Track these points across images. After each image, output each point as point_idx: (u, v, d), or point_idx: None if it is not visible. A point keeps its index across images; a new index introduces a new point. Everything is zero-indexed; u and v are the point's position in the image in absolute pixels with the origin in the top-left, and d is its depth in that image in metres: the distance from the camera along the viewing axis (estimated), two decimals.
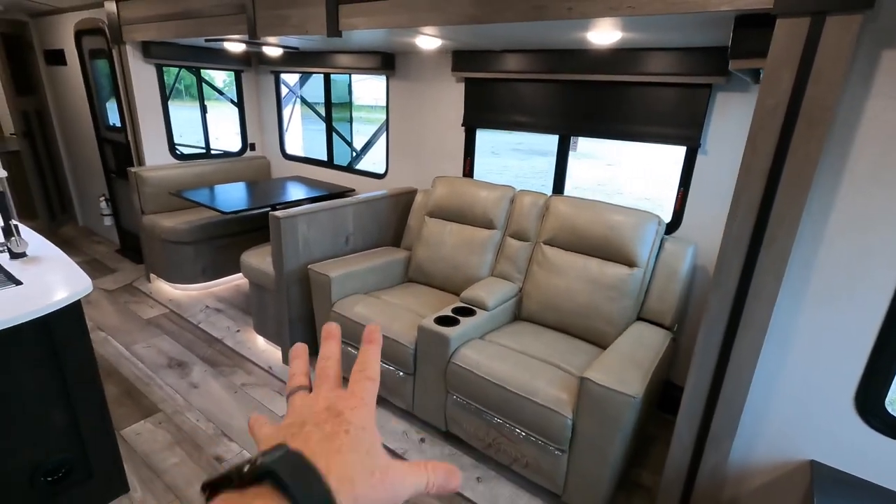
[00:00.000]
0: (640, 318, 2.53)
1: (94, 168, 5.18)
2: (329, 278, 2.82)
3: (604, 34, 2.13)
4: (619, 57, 2.57)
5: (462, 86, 3.33)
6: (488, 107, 3.24)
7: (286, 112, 5.01)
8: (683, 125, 2.52)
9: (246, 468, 0.26)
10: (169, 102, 4.29)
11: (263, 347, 3.40)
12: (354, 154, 5.49)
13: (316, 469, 0.27)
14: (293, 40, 3.18)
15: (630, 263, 2.49)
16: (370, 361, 0.40)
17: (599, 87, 2.77)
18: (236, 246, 4.19)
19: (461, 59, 3.19)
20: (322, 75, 4.27)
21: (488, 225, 3.01)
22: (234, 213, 3.33)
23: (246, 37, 2.81)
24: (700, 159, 2.53)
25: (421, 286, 3.20)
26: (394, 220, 3.59)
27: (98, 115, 4.83)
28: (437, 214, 3.23)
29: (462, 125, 3.38)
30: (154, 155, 4.22)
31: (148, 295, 4.15)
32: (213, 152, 4.80)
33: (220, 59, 4.35)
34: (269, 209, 3.55)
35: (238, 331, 3.62)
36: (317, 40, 3.13)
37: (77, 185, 5.73)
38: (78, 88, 4.88)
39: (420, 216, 3.38)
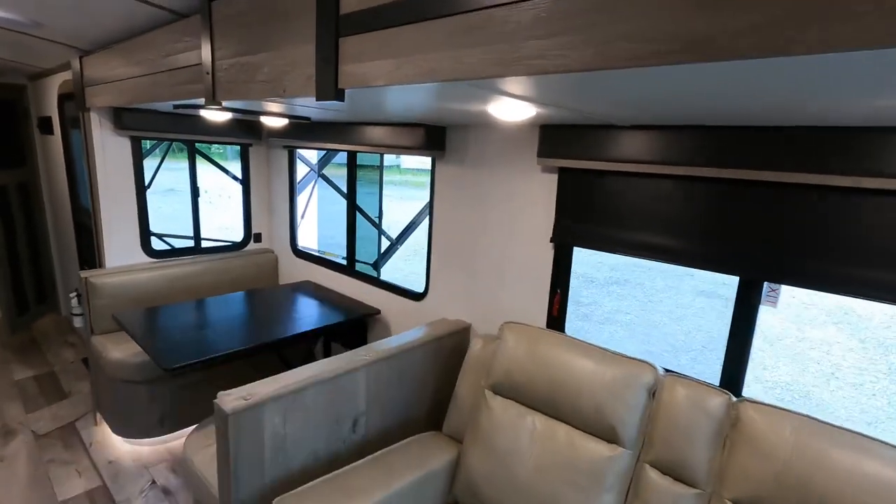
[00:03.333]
0: None
1: (74, 255, 4.22)
2: None
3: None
4: (848, 143, 1.27)
5: (553, 179, 2.08)
6: (598, 214, 1.95)
7: (304, 195, 3.92)
8: None
9: None
10: (165, 164, 3.25)
11: None
12: (387, 246, 4.30)
13: None
14: (299, 107, 2.07)
15: None
16: None
17: (816, 197, 1.44)
18: (212, 382, 2.97)
19: (554, 138, 1.96)
20: (346, 152, 3.17)
21: (607, 434, 1.64)
22: (177, 370, 2.10)
23: (214, 105, 1.69)
24: None
25: None
26: (433, 376, 2.28)
27: (77, 193, 3.91)
28: (507, 392, 1.90)
29: (551, 240, 2.10)
30: (120, 252, 3.15)
31: (85, 449, 2.94)
32: (209, 243, 3.72)
33: (219, 129, 3.34)
34: (250, 348, 2.33)
35: None
36: (327, 107, 1.99)
37: (63, 272, 4.79)
38: (62, 162, 4.01)
39: (476, 384, 2.05)
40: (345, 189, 3.46)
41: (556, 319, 2.16)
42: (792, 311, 8.93)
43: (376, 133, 2.71)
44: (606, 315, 7.78)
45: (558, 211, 2.07)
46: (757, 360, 7.08)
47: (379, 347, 2.12)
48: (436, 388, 2.34)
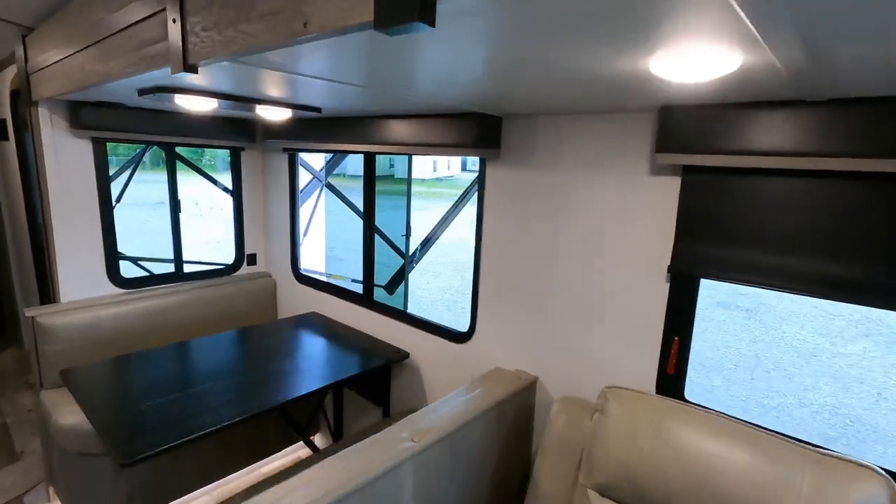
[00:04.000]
0: None
1: (33, 281, 3.58)
2: None
3: None
4: None
5: (671, 184, 1.49)
6: (743, 232, 1.36)
7: (307, 206, 3.30)
8: None
9: None
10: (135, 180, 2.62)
11: None
12: (410, 259, 3.67)
13: None
14: (318, 91, 1.47)
15: None
16: None
17: None
18: (195, 449, 2.34)
19: (686, 124, 1.36)
20: (364, 157, 2.56)
21: None
22: (141, 461, 1.47)
23: (180, 73, 1.08)
24: None
25: None
26: (495, 453, 1.67)
27: (33, 208, 3.28)
28: (625, 497, 1.28)
29: (669, 269, 1.50)
30: (79, 281, 2.51)
31: None
32: (195, 267, 3.09)
33: (203, 129, 2.73)
34: (241, 420, 1.70)
35: None
36: (350, 82, 1.39)
37: (25, 299, 4.13)
38: (17, 171, 3.38)
39: (565, 474, 1.44)
40: (357, 203, 2.85)
41: (672, 380, 1.55)
42: (819, 323, 8.45)
43: (404, 128, 2.11)
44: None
45: (680, 228, 1.47)
46: (796, 379, 6.53)
47: (425, 422, 1.50)
48: (498, 468, 1.72)
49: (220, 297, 2.89)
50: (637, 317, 1.60)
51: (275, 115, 2.05)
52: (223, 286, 2.94)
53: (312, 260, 3.32)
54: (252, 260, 3.20)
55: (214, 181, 3.37)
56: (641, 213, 1.55)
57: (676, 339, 1.52)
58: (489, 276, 2.01)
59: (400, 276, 3.77)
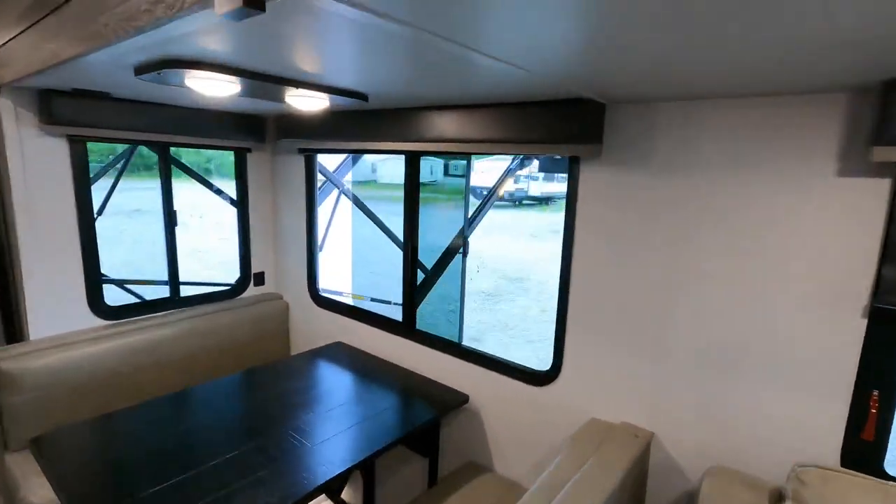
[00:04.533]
0: None
1: None
2: None
3: None
4: None
5: (879, 189, 1.10)
6: None
7: (323, 214, 2.85)
8: None
9: None
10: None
11: None
12: (421, 280, 3.21)
13: None
14: (372, 66, 1.06)
15: None
16: None
17: None
18: None
19: None
20: (406, 157, 2.14)
21: None
22: None
23: (230, 14, 0.65)
24: None
25: None
26: None
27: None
28: None
29: (874, 303, 1.11)
30: (53, 313, 2.04)
31: None
32: (193, 289, 2.63)
33: (204, 126, 2.28)
34: None
35: None
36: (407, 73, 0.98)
37: None
38: None
39: None
40: (384, 214, 2.42)
41: (869, 448, 1.16)
42: None
43: (464, 121, 1.70)
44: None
45: (888, 249, 1.09)
46: None
47: None
48: None
49: (222, 326, 2.43)
50: (811, 362, 1.21)
51: (308, 104, 1.61)
52: (226, 312, 2.47)
53: (332, 278, 2.88)
54: (260, 279, 2.74)
55: (214, 188, 2.89)
56: (821, 227, 1.17)
57: (876, 392, 1.14)
58: (581, 304, 1.61)
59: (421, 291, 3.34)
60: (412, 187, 2.13)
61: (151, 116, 2.09)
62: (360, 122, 2.07)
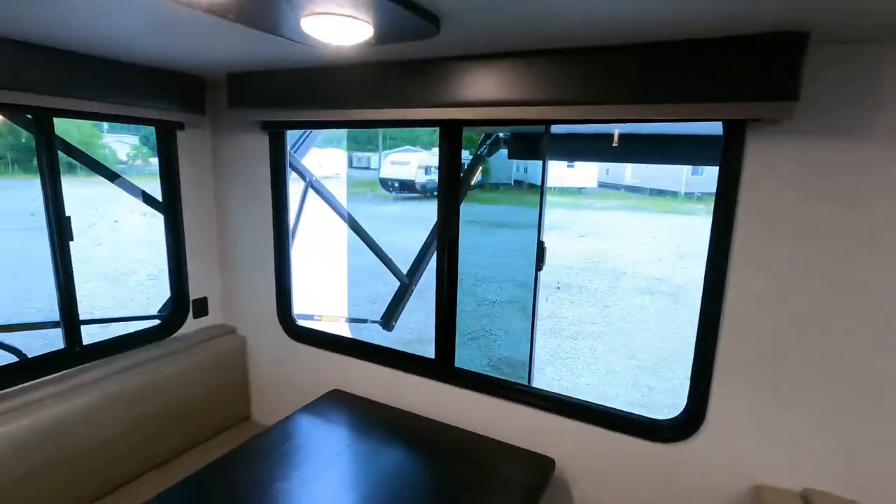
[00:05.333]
0: None
1: None
2: None
3: None
4: None
5: None
6: None
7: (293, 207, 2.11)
8: None
9: None
10: None
11: None
12: (397, 289, 2.53)
13: None
14: None
15: None
16: None
17: None
18: None
19: None
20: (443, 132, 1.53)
21: None
22: None
23: None
24: None
25: None
26: None
27: None
28: None
29: None
30: None
31: None
32: (109, 329, 1.79)
33: (108, 86, 1.49)
34: None
35: None
36: None
37: None
38: None
39: None
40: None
41: None
42: None
43: (545, 75, 1.17)
44: (575, 328, 6.63)
45: None
46: None
47: None
48: None
49: (146, 386, 1.64)
50: None
51: (336, 33, 0.96)
52: (154, 364, 1.70)
53: (308, 299, 2.12)
54: (201, 308, 1.96)
55: (126, 183, 1.99)
56: None
57: None
58: (745, 328, 1.15)
59: (398, 306, 2.74)
60: (451, 175, 1.53)
61: (15, 66, 1.27)
62: (361, 80, 1.43)
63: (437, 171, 1.53)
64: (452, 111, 1.34)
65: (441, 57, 1.30)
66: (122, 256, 8.14)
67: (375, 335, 2.41)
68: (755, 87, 1.00)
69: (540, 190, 1.76)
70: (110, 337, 1.72)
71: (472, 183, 2.81)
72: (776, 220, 1.08)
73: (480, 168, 2.82)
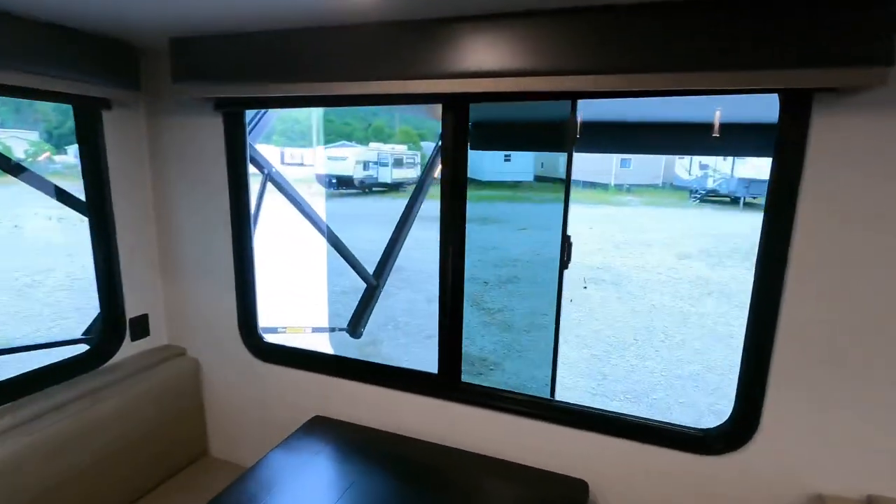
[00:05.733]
0: None
1: None
2: None
3: None
4: None
5: None
6: None
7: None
8: None
9: None
10: None
11: None
12: (364, 292, 2.27)
13: None
14: None
15: None
16: None
17: None
18: None
19: None
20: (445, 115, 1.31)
21: None
22: None
23: None
24: None
25: None
26: None
27: None
28: None
29: None
30: None
31: None
32: (18, 361, 1.42)
33: (13, 48, 1.14)
34: None
35: None
36: None
37: None
38: None
39: None
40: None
41: None
42: None
43: (570, 37, 1.00)
44: (528, 320, 6.56)
45: None
46: None
47: None
48: None
49: (73, 431, 1.31)
50: None
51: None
52: (79, 403, 1.36)
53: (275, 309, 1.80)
54: (141, 328, 1.62)
55: (36, 178, 1.58)
56: None
57: None
58: (809, 323, 1.03)
59: (365, 311, 2.49)
60: (455, 166, 1.32)
61: None
62: (346, 46, 1.19)
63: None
64: (459, 83, 1.13)
65: (446, 17, 1.09)
66: (24, 266, 7.17)
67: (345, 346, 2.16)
68: (841, 51, 0.87)
69: (565, 185, 1.57)
70: (25, 371, 1.35)
71: (435, 176, 2.61)
72: (847, 206, 0.98)
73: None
